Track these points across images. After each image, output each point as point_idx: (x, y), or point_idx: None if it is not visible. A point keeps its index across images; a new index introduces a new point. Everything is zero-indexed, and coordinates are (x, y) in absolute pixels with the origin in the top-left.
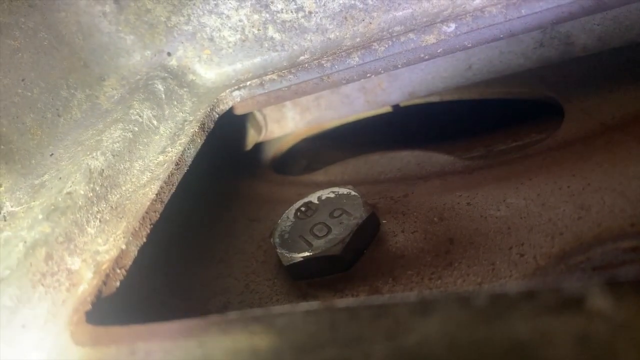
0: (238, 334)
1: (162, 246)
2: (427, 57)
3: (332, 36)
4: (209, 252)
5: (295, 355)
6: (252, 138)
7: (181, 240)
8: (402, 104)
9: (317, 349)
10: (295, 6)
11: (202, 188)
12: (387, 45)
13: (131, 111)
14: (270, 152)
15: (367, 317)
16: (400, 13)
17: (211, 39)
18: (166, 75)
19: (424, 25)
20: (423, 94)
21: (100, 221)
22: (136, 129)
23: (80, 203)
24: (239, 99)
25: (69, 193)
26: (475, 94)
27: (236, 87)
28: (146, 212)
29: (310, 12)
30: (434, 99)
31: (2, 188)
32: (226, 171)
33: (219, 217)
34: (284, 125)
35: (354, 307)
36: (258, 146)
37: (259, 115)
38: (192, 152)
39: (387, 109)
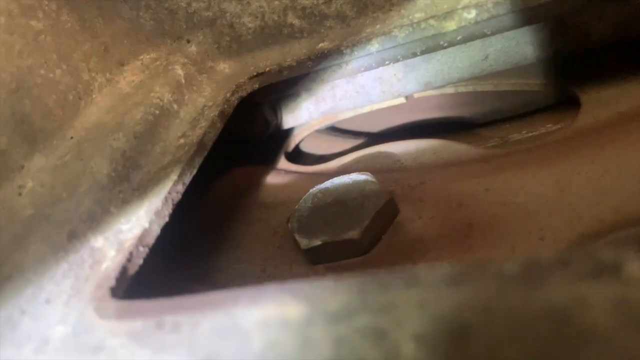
0: (268, 305)
1: (180, 232)
2: (446, 44)
3: (352, 23)
4: (225, 238)
5: (327, 324)
6: (267, 127)
7: (198, 226)
8: (416, 95)
9: (349, 317)
10: None
11: (219, 174)
12: (407, 32)
13: (152, 94)
14: (285, 141)
15: (398, 285)
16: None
17: (231, 25)
18: (186, 61)
19: (445, 11)
20: (439, 84)
21: (122, 201)
22: (157, 112)
23: (102, 182)
24: (257, 86)
25: (91, 173)
26: (490, 85)
27: (255, 73)
28: (169, 193)
29: None
30: (449, 90)
31: (25, 169)
32: (242, 159)
33: (234, 203)
34: (298, 115)
35: (385, 276)
36: (273, 135)
37: (274, 104)
38: (212, 136)
39: (401, 99)
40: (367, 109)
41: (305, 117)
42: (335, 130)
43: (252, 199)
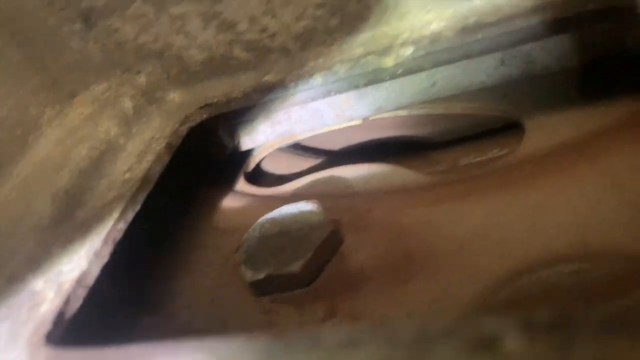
0: None
1: (130, 258)
2: (387, 77)
3: (295, 56)
4: (177, 263)
5: None
6: (222, 151)
7: (149, 252)
8: (371, 118)
9: None
10: (259, 27)
11: (172, 201)
12: (348, 67)
13: (99, 129)
14: (242, 163)
15: (302, 348)
16: (361, 35)
17: (179, 57)
18: (134, 92)
19: (383, 47)
20: (390, 109)
21: (64, 240)
22: (103, 147)
23: (44, 223)
24: (206, 116)
25: (33, 213)
26: (440, 109)
27: (203, 104)
28: (109, 232)
29: (274, 33)
30: (403, 112)
31: None
32: (196, 184)
33: (188, 229)
34: (254, 137)
35: (292, 338)
36: (229, 158)
37: (231, 127)
38: (158, 169)
39: (357, 121)
40: (325, 129)
41: (262, 139)
42: (295, 148)
43: (206, 223)
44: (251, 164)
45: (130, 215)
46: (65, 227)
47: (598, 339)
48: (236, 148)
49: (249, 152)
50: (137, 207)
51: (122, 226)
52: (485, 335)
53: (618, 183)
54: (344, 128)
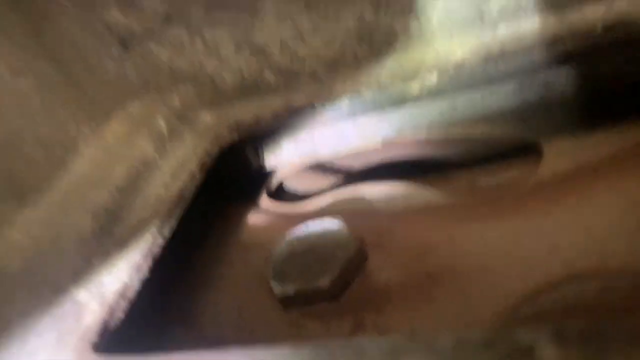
0: None
1: (165, 272)
2: (411, 101)
3: (324, 81)
4: (206, 279)
5: None
6: (248, 169)
7: (181, 267)
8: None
9: None
10: (289, 52)
11: (202, 218)
12: (374, 92)
13: (135, 147)
14: (265, 180)
15: (347, 356)
16: (387, 61)
17: (211, 80)
18: (169, 112)
19: (409, 73)
20: (411, 131)
21: (104, 254)
22: (139, 165)
23: (86, 237)
24: (236, 136)
25: (75, 227)
26: (460, 131)
27: (234, 125)
28: (149, 247)
29: (303, 58)
30: (422, 134)
31: (13, 223)
32: (224, 201)
33: (217, 244)
34: (279, 156)
35: (337, 347)
36: (254, 175)
37: (256, 145)
38: (192, 187)
39: (378, 142)
40: (347, 150)
41: (286, 157)
42: (317, 166)
43: (233, 238)
44: (274, 182)
45: (167, 232)
46: (105, 242)
47: (629, 349)
48: (261, 166)
49: (272, 170)
50: (174, 224)
51: (161, 242)
52: (521, 346)
53: (635, 204)
54: (365, 148)
